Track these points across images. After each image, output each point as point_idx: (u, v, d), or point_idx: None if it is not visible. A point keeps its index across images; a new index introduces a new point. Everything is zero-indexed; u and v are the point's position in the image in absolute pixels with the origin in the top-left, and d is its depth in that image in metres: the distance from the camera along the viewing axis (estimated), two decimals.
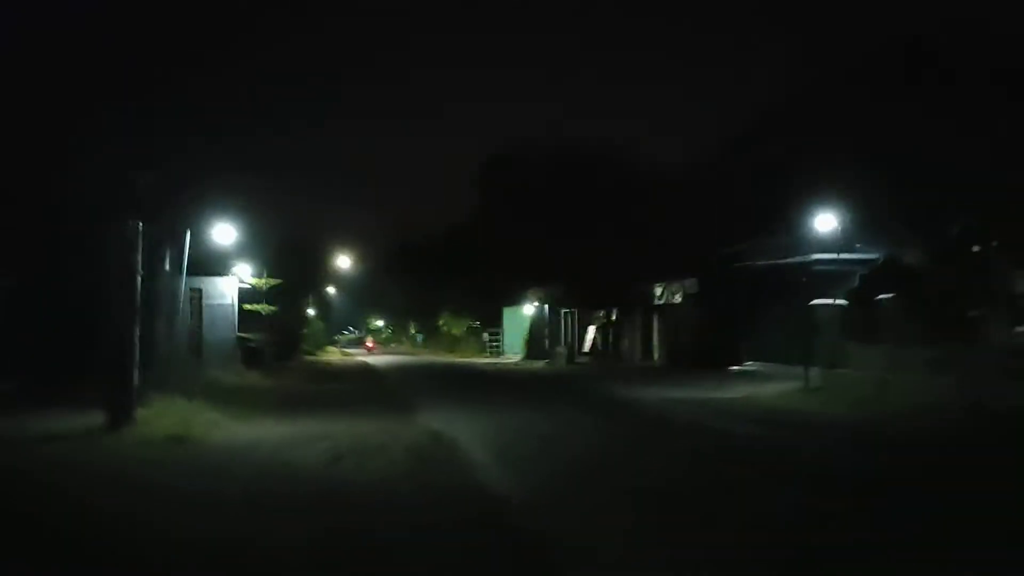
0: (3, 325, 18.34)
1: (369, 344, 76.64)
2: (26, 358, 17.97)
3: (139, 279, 11.34)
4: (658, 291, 30.82)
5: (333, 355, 52.73)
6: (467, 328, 57.14)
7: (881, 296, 16.71)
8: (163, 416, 11.74)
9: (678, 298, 29.03)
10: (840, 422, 13.83)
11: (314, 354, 46.99)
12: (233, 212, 16.63)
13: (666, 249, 30.16)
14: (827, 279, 21.51)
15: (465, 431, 12.41)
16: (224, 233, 15.99)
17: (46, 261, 17.65)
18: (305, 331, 47.55)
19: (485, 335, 54.09)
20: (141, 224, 11.37)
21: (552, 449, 11.23)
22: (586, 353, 38.72)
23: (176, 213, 14.15)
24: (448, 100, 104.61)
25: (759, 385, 20.39)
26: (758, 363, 25.34)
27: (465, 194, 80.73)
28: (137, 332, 11.26)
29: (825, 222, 19.02)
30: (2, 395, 16.25)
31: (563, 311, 41.51)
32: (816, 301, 19.96)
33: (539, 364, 38.34)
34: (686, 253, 28.62)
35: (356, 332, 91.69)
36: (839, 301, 18.88)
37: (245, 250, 26.99)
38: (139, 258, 11.29)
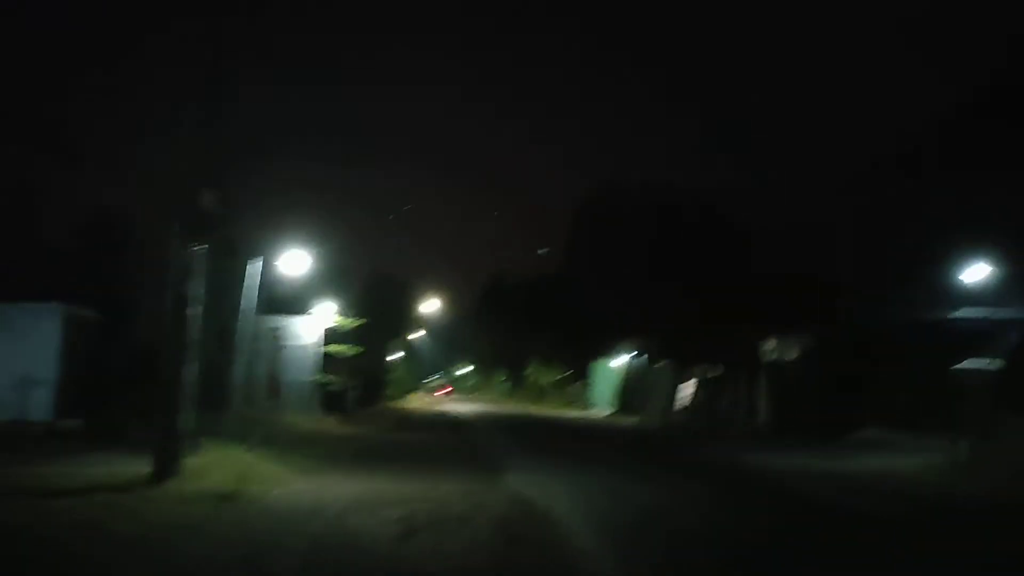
0: (77, 359, 17.54)
1: (445, 389, 75.48)
2: (96, 395, 17.06)
3: (197, 310, 9.95)
4: (769, 346, 28.28)
5: (418, 402, 51.41)
6: (556, 379, 55.16)
7: None
8: (217, 467, 10.27)
9: (792, 354, 26.48)
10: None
11: (398, 400, 45.76)
12: (310, 241, 15.19)
13: (778, 302, 27.77)
14: (972, 338, 18.95)
15: (562, 501, 10.53)
16: (297, 261, 14.45)
17: (122, 293, 16.76)
18: (389, 376, 46.47)
19: (574, 387, 52.00)
20: (205, 248, 10.03)
21: (674, 532, 9.19)
22: (682, 411, 36.25)
23: (247, 239, 12.84)
24: (533, 143, 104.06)
25: (889, 457, 17.84)
26: (881, 431, 22.64)
27: (557, 241, 79.29)
28: (189, 371, 9.85)
29: (976, 272, 16.62)
30: (64, 433, 15.27)
31: (658, 365, 39.18)
32: (965, 364, 17.42)
33: (631, 420, 36.13)
34: (802, 307, 26.20)
35: (442, 379, 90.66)
36: (991, 363, 16.34)
37: (327, 287, 25.97)
38: (198, 286, 9.92)
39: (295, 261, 14.30)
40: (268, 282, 22.40)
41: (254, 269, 12.65)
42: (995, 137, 21.01)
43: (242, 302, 19.24)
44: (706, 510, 10.86)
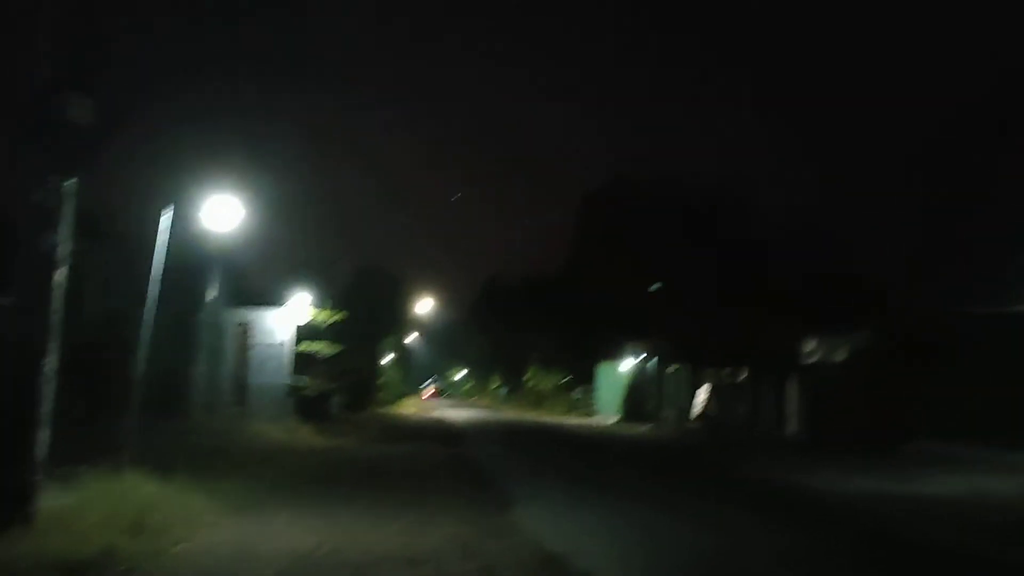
0: None
1: (429, 392, 72.99)
2: None
3: (61, 272, 6.64)
4: (809, 347, 24.99)
5: (410, 408, 48.06)
6: (556, 384, 51.80)
7: None
8: (99, 508, 6.96)
9: (837, 356, 23.20)
10: None
11: (390, 406, 42.44)
12: (249, 189, 11.27)
13: (816, 298, 24.61)
14: None
15: (600, 557, 7.28)
16: (223, 211, 10.42)
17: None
18: (380, 380, 43.12)
19: (576, 392, 48.67)
20: (74, 181, 6.72)
21: None
22: (697, 418, 33.00)
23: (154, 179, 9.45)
24: (538, 138, 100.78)
25: (966, 475, 14.66)
26: (940, 443, 19.39)
27: (559, 238, 75.79)
28: (48, 367, 6.52)
29: None
30: None
31: (671, 369, 35.96)
32: None
33: (641, 428, 32.88)
34: (847, 303, 23.01)
35: (436, 383, 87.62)
36: None
37: (307, 277, 22.83)
38: (64, 237, 6.62)
39: (220, 207, 10.34)
40: (233, 271, 19.15)
41: (162, 221, 9.12)
42: None
43: (209, 292, 15.94)
44: (793, 565, 7.58)
